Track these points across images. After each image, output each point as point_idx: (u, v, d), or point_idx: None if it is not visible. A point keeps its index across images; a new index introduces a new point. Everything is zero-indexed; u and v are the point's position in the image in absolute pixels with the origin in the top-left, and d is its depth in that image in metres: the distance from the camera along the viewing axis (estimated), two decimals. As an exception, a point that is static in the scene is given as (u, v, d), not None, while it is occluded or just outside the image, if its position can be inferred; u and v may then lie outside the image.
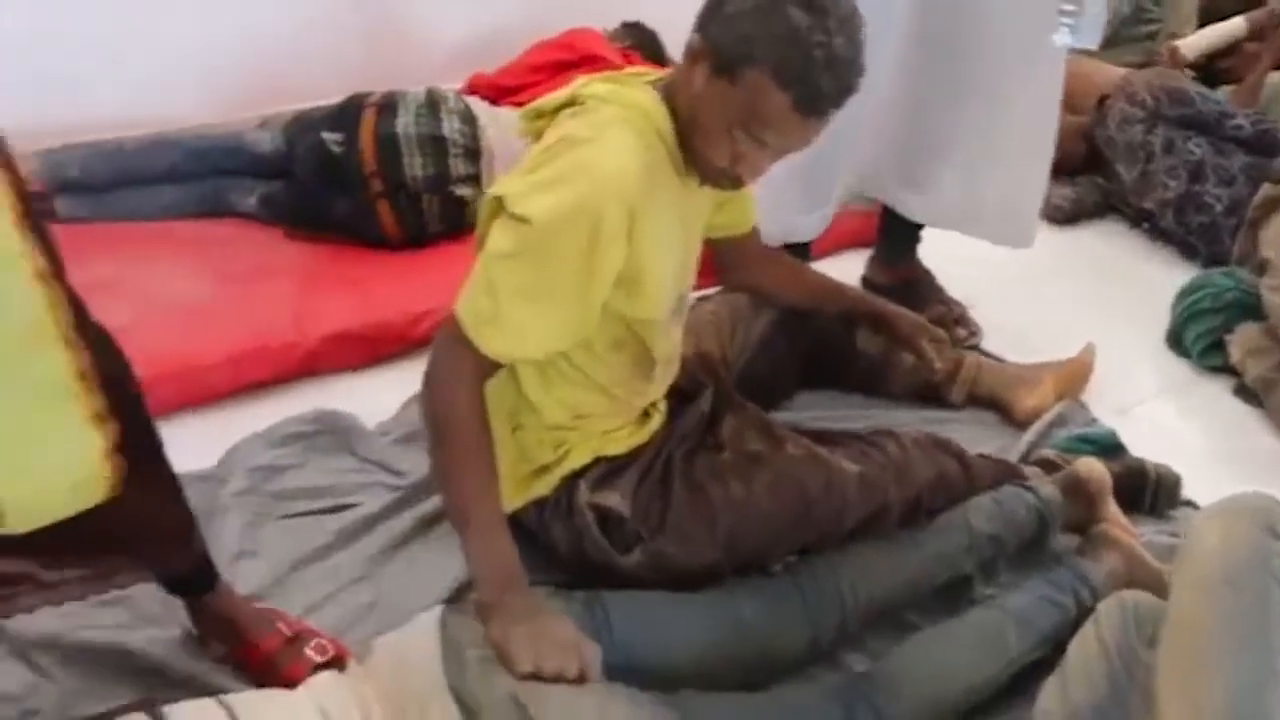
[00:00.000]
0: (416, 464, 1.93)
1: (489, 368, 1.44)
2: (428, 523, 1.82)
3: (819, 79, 1.34)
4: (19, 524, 1.07)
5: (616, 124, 1.43)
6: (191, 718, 1.26)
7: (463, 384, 1.42)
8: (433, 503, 1.84)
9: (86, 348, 1.08)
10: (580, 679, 1.32)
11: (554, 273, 1.38)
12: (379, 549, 1.79)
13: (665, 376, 1.70)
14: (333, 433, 1.98)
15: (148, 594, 1.68)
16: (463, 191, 2.51)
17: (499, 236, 1.41)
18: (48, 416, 1.07)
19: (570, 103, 1.50)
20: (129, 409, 1.18)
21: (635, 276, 1.47)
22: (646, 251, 1.45)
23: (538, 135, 1.52)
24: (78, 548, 1.27)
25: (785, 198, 2.19)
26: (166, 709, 1.28)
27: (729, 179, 1.49)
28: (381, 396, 2.09)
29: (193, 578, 1.54)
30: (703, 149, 1.45)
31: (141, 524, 1.30)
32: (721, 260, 1.90)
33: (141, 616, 1.66)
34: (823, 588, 1.61)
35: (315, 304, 2.25)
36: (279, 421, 1.98)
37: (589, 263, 1.39)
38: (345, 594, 1.72)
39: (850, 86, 1.38)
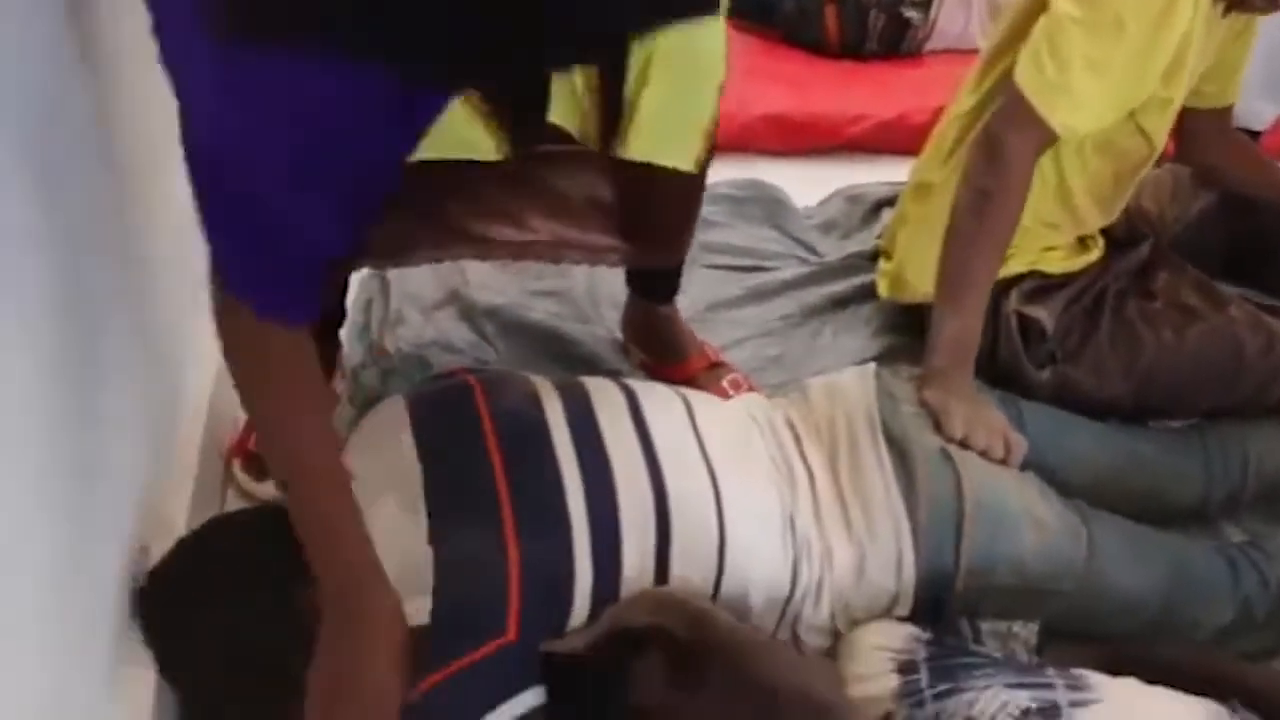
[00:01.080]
0: (833, 248, 2.01)
1: (1048, 141, 1.47)
2: (838, 302, 1.91)
3: None
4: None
5: None
6: (656, 398, 1.40)
7: (1019, 160, 1.46)
8: (846, 284, 1.93)
9: None
10: (1002, 464, 1.39)
11: (1122, 43, 1.40)
12: (789, 313, 1.89)
13: (1118, 201, 1.71)
14: (761, 202, 2.08)
15: (582, 294, 1.86)
16: (910, 14, 2.53)
17: (1067, 2, 1.42)
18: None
19: None
20: None
21: (1179, 57, 1.46)
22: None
23: None
24: (607, 213, 1.42)
25: (1250, 80, 2.10)
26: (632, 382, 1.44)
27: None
28: (805, 186, 2.17)
29: (661, 284, 1.67)
30: None
31: (668, 211, 1.42)
32: (1188, 130, 1.86)
33: (576, 314, 1.84)
34: (1228, 449, 1.60)
35: (753, 87, 2.33)
36: (713, 182, 2.08)
37: (1156, 36, 1.40)
38: (753, 343, 1.83)
39: None
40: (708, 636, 1.18)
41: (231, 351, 1.14)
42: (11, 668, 0.95)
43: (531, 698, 1.19)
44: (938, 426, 1.40)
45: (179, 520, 1.37)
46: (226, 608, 1.23)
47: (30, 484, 1.00)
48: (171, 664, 1.25)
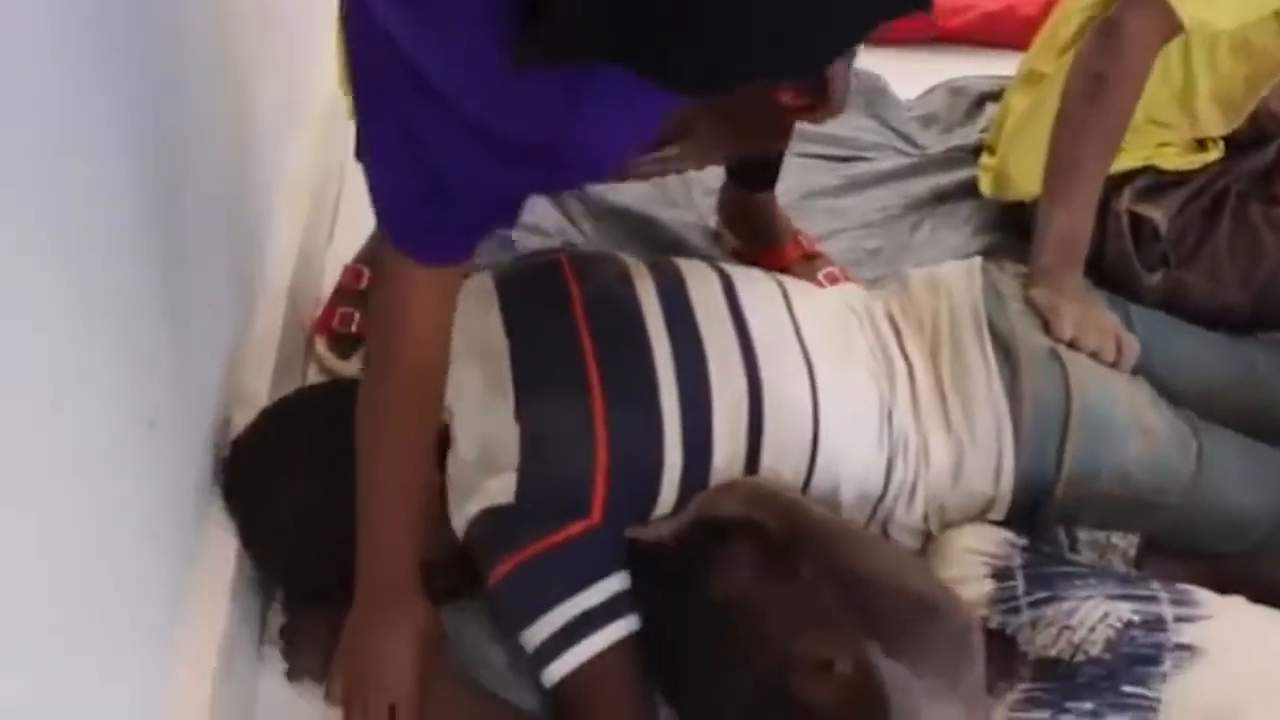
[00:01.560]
0: (935, 141, 1.93)
1: (1172, 33, 1.39)
2: (939, 196, 1.83)
3: None
4: None
5: None
6: (752, 282, 1.35)
7: (1139, 47, 1.38)
8: (948, 178, 1.85)
9: None
10: (1112, 367, 1.33)
11: None
12: (888, 205, 1.82)
13: (1245, 107, 1.61)
14: (861, 92, 1.99)
15: (674, 178, 1.78)
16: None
17: None
18: None
19: None
20: None
21: None
22: None
23: None
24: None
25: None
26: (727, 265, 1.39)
27: None
28: (905, 79, 2.07)
29: (761, 172, 1.61)
30: None
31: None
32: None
33: (667, 198, 1.78)
34: (1351, 370, 1.52)
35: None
36: (814, 69, 2.01)
37: None
38: (850, 235, 1.77)
39: None
40: (799, 527, 1.13)
41: (377, 314, 1.14)
42: (101, 540, 0.94)
43: (615, 583, 1.17)
44: (1046, 327, 1.33)
45: (261, 393, 1.36)
46: (307, 478, 1.22)
47: (116, 354, 0.98)
48: (252, 532, 1.24)
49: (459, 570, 1.24)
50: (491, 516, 1.17)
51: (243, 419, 1.29)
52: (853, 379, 1.28)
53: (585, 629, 1.15)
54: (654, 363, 1.23)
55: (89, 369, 0.91)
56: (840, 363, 1.28)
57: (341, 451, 1.19)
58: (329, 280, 1.64)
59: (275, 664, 1.27)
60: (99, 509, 0.94)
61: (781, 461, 1.23)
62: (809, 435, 1.23)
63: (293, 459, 1.23)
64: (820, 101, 1.30)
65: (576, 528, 1.15)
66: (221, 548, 1.23)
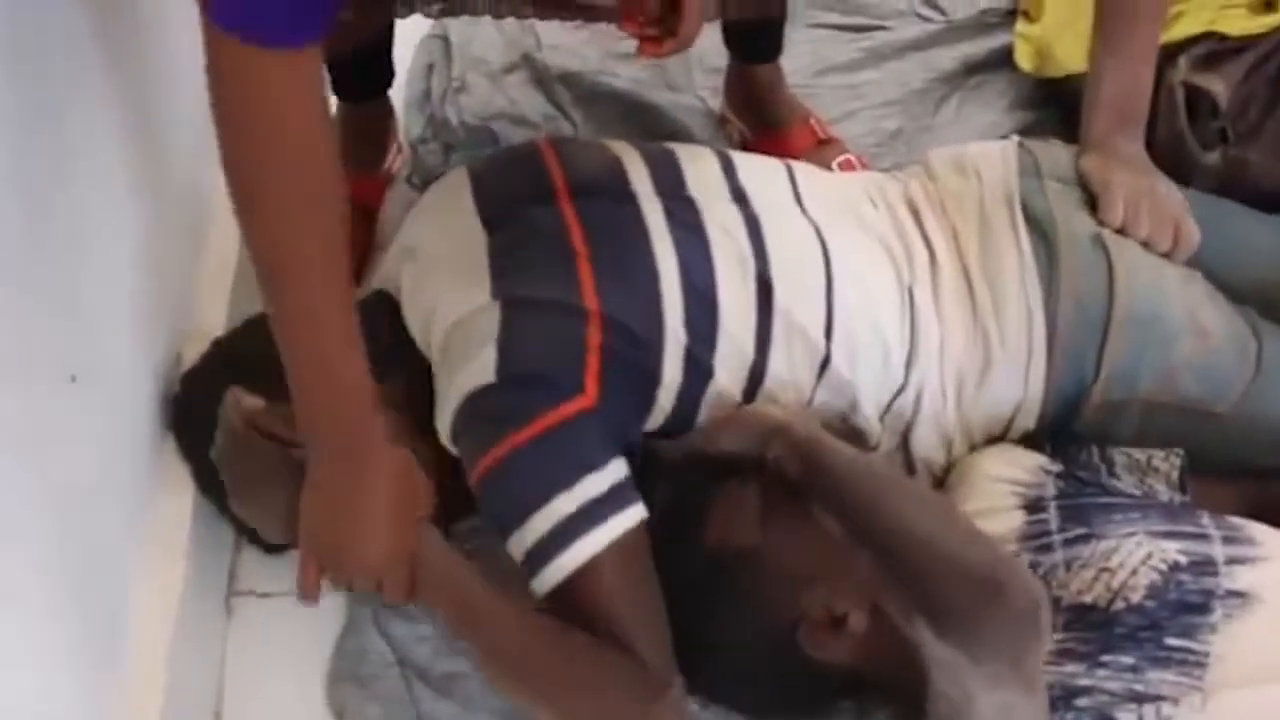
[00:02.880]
0: (962, 5, 1.73)
1: None
2: (969, 68, 1.66)
3: None
4: None
5: None
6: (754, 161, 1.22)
7: None
8: (978, 46, 1.67)
9: None
10: (1166, 256, 1.18)
11: None
12: (910, 80, 1.65)
13: None
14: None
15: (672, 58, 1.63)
16: None
17: None
18: None
19: None
20: None
21: None
22: None
23: None
24: None
25: None
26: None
27: None
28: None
29: (763, 39, 1.46)
30: None
31: None
32: None
33: (665, 80, 1.64)
34: None
35: None
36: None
37: None
38: (868, 115, 1.61)
39: None
40: (822, 468, 1.01)
41: (222, 107, 0.84)
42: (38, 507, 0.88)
43: (616, 470, 1.04)
44: (1094, 207, 1.19)
45: (216, 326, 1.25)
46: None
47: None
48: (205, 472, 1.13)
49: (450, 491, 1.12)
50: (473, 402, 1.04)
51: (194, 354, 1.18)
52: (868, 260, 1.16)
53: (586, 523, 1.01)
54: (649, 236, 1.11)
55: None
56: (854, 243, 1.16)
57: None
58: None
59: (245, 615, 1.21)
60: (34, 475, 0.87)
61: (793, 343, 1.11)
62: (822, 315, 1.11)
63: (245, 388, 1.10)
64: (669, 33, 1.16)
65: (569, 408, 1.02)
66: (178, 500, 1.15)
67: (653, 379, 1.08)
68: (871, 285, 1.14)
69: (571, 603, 1.03)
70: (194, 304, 1.26)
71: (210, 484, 1.13)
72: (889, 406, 1.15)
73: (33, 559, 0.88)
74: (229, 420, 1.05)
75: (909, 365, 1.14)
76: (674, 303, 1.08)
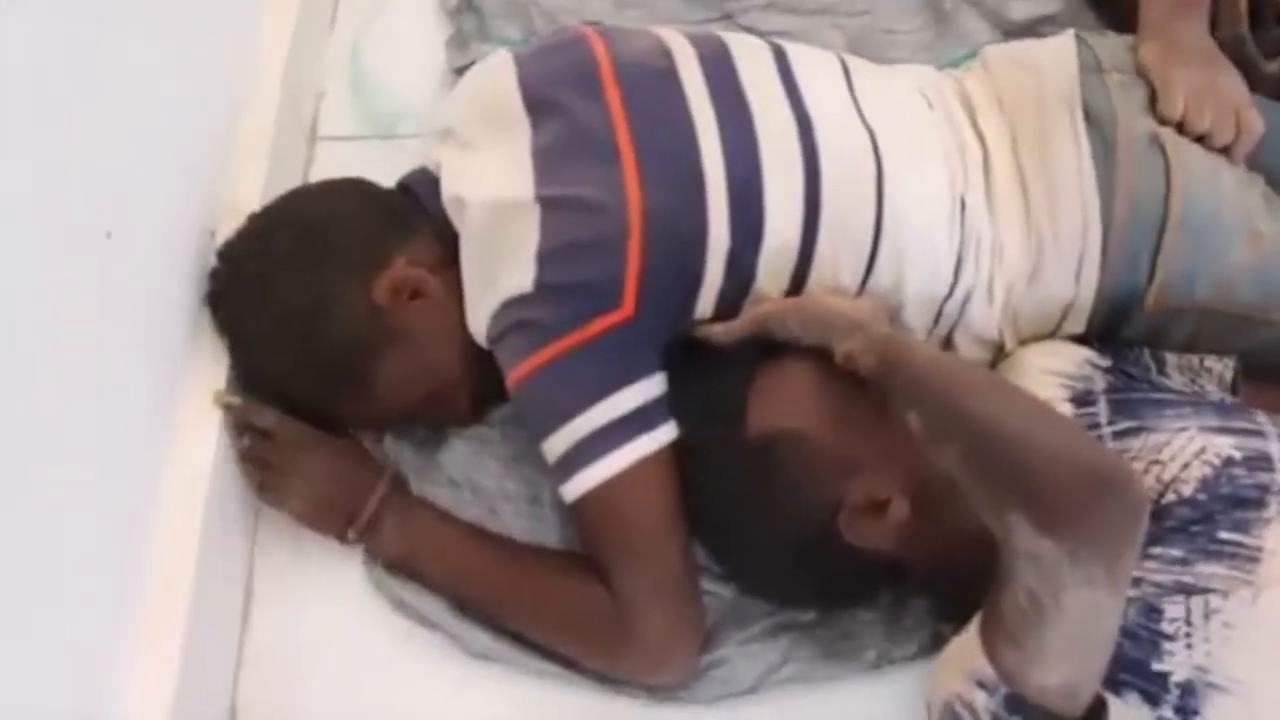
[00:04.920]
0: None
1: None
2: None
3: None
4: None
5: None
6: (806, 52, 1.18)
7: None
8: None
9: None
10: (1225, 151, 1.14)
11: None
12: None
13: None
14: None
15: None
16: None
17: None
18: None
19: None
20: None
21: None
22: None
23: None
24: None
25: None
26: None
27: None
28: None
29: None
30: None
31: None
32: None
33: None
34: None
35: None
36: None
37: None
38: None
39: None
40: (901, 363, 0.96)
41: None
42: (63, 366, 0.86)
43: (651, 387, 1.04)
44: (1153, 100, 1.15)
45: (253, 201, 1.22)
46: (299, 284, 1.09)
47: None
48: (238, 346, 1.13)
49: (476, 387, 1.14)
50: (509, 309, 1.04)
51: (229, 230, 1.15)
52: (921, 162, 1.12)
53: (616, 438, 1.02)
54: (695, 131, 1.07)
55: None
56: (907, 144, 1.12)
57: (334, 255, 1.08)
58: (331, 69, 1.48)
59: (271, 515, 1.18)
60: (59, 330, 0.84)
61: (841, 244, 1.08)
62: (871, 213, 1.08)
63: (283, 264, 1.09)
64: None
65: (606, 320, 1.02)
66: (212, 369, 1.13)
67: (694, 282, 1.06)
68: (923, 191, 1.11)
69: (591, 516, 1.05)
70: (230, 177, 1.23)
71: (244, 366, 1.13)
72: (936, 312, 1.13)
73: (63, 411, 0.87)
74: (261, 417, 1.10)
75: (957, 270, 1.11)
76: (719, 203, 1.05)
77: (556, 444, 1.04)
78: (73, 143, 0.88)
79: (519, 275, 1.02)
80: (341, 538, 1.12)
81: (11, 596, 0.77)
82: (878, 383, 0.97)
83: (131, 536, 0.99)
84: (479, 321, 1.07)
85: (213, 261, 1.14)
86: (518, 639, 1.09)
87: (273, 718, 1.09)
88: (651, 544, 1.04)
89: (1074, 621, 0.84)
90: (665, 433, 1.04)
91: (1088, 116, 1.13)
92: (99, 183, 0.93)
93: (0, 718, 0.75)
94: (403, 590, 1.12)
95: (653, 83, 1.10)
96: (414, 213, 1.14)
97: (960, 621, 0.94)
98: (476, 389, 1.15)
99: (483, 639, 1.10)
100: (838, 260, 1.08)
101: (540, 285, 1.02)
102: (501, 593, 1.10)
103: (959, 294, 1.12)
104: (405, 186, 1.18)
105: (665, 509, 1.05)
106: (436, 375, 1.12)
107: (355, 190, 1.16)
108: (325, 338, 1.08)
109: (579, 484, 1.03)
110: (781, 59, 1.15)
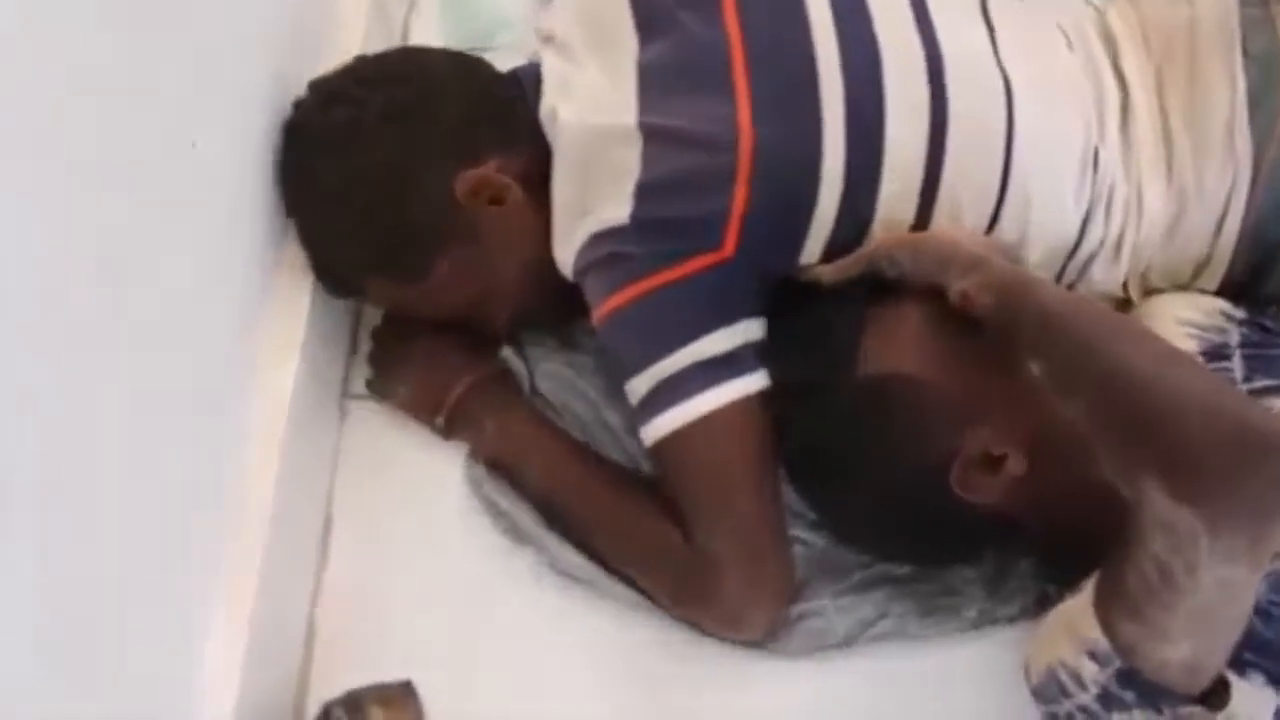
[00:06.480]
0: None
1: None
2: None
3: None
4: None
5: None
6: None
7: None
8: None
9: None
10: None
11: None
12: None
13: None
14: None
15: None
16: None
17: None
18: None
19: None
20: None
21: None
22: None
23: None
24: None
25: None
26: None
27: None
28: None
29: None
30: None
31: None
32: None
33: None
34: None
35: None
36: None
37: None
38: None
39: None
40: (1026, 302, 0.88)
41: None
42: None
43: (746, 330, 0.99)
44: None
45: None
46: (378, 149, 1.04)
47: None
48: (298, 185, 1.08)
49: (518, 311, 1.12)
50: (601, 241, 0.99)
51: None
52: (1055, 112, 1.03)
53: (701, 382, 0.98)
54: (816, 63, 0.99)
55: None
56: (1042, 88, 1.03)
57: (431, 132, 1.03)
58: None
59: (359, 417, 1.17)
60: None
61: (961, 199, 1.00)
62: (998, 169, 1.00)
63: (376, 121, 1.04)
64: None
65: (704, 260, 0.96)
66: (294, 293, 1.09)
67: (803, 225, 0.99)
68: (1055, 143, 1.02)
69: (671, 463, 1.00)
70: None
71: (294, 203, 1.08)
72: (1060, 268, 1.05)
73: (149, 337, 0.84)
74: None
75: (1085, 226, 1.03)
76: (835, 145, 0.97)
77: (639, 385, 1.00)
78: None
79: (615, 208, 0.97)
80: (431, 425, 1.11)
81: (91, 515, 0.75)
82: (997, 325, 0.90)
83: (212, 459, 0.97)
84: (566, 253, 1.02)
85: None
86: (607, 564, 1.06)
87: (352, 650, 1.07)
88: (731, 495, 0.99)
89: (1207, 598, 0.76)
90: (755, 380, 0.99)
91: (1247, 54, 1.03)
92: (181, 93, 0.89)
93: (76, 635, 0.73)
94: (499, 494, 1.10)
95: (775, 6, 1.02)
96: (520, 112, 1.07)
97: (1069, 583, 0.88)
98: (518, 313, 1.12)
99: (572, 558, 1.07)
100: (958, 211, 1.01)
101: (636, 219, 0.97)
102: (592, 514, 1.06)
103: (1084, 252, 1.04)
104: (515, 78, 1.11)
105: (750, 459, 1.00)
106: (487, 288, 1.08)
107: (473, 72, 1.10)
108: (392, 212, 1.03)
109: (658, 427, 0.99)
110: None
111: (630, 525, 1.04)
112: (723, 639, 1.03)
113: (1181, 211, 1.03)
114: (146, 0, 0.82)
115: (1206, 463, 0.75)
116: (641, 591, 1.05)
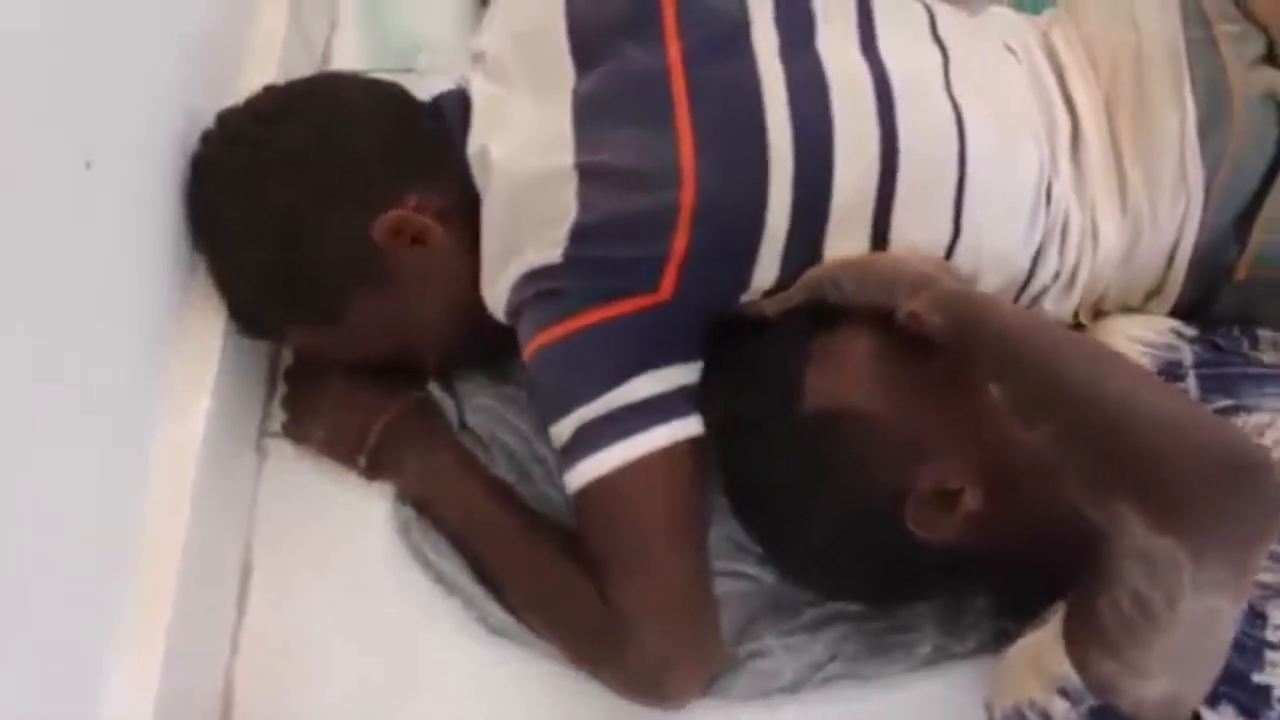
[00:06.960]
0: None
1: None
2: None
3: None
4: None
5: None
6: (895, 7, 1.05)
7: None
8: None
9: None
10: None
11: None
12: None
13: None
14: None
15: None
16: None
17: None
18: None
19: None
20: None
21: None
22: None
23: None
24: None
25: None
26: None
27: None
28: None
29: None
30: None
31: None
32: None
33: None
34: None
35: None
36: None
37: None
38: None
39: None
40: (980, 322, 0.83)
41: None
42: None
43: (675, 375, 0.94)
44: (1270, 48, 1.02)
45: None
46: (288, 188, 0.98)
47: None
48: (205, 226, 1.02)
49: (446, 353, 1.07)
50: (532, 279, 0.94)
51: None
52: (1007, 138, 0.99)
53: (626, 427, 0.92)
54: (762, 98, 0.94)
55: None
56: (995, 124, 0.98)
57: (345, 171, 0.98)
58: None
59: (279, 458, 1.11)
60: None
61: (912, 238, 0.95)
62: (950, 200, 0.95)
63: (285, 159, 0.98)
64: None
65: (636, 302, 0.92)
66: (205, 328, 1.03)
67: (746, 265, 0.94)
68: (1007, 178, 0.98)
69: (589, 513, 0.95)
70: (241, 84, 1.10)
71: (203, 243, 1.02)
72: (1014, 300, 1.01)
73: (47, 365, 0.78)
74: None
75: (1037, 261, 0.99)
76: (782, 183, 0.92)
77: (563, 429, 0.94)
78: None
79: (548, 249, 0.92)
80: (354, 466, 1.07)
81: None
82: (951, 346, 0.85)
83: (116, 505, 0.90)
84: (498, 294, 0.97)
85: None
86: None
87: (273, 705, 1.01)
88: (649, 549, 0.93)
89: (1188, 632, 0.72)
90: (686, 425, 0.94)
91: (1194, 80, 1.00)
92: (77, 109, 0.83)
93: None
94: (426, 543, 1.04)
95: (720, 36, 0.98)
96: (443, 147, 1.02)
97: (1029, 617, 0.84)
98: (448, 352, 1.07)
99: (502, 615, 1.01)
100: (910, 249, 0.96)
101: (569, 257, 0.92)
102: (504, 563, 1.01)
103: (1036, 285, 1.00)
104: (437, 108, 1.06)
105: (674, 510, 0.94)
106: (410, 331, 1.03)
107: (389, 101, 1.04)
108: (305, 254, 0.97)
109: (581, 474, 0.93)
110: (864, 9, 1.02)
111: (542, 577, 0.99)
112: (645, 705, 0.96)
113: (1135, 241, 1.00)
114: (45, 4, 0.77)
115: (1187, 489, 0.70)
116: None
